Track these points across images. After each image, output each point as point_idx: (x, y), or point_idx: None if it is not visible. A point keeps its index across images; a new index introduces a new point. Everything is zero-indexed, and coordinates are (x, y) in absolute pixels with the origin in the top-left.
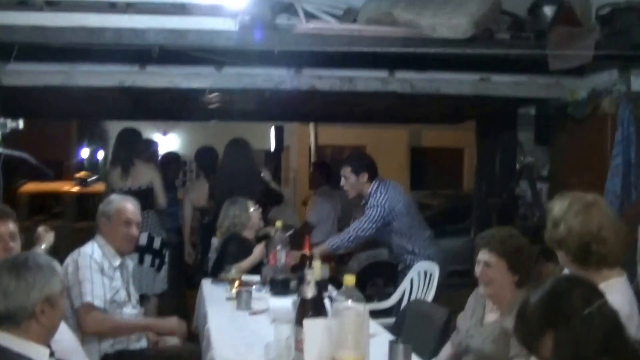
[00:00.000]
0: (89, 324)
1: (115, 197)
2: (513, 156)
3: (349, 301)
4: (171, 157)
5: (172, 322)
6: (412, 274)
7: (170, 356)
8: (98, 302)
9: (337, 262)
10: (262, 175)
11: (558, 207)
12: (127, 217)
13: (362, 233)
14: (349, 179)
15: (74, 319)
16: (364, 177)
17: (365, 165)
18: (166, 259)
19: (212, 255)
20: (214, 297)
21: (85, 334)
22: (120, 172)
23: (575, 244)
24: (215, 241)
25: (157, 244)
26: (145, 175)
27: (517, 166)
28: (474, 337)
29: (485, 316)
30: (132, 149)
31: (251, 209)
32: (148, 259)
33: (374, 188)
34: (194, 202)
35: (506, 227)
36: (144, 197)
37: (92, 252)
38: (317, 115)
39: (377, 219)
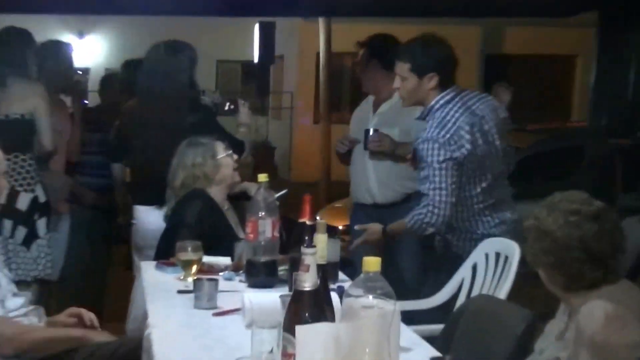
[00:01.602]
0: None
1: None
2: None
3: (370, 297)
4: (112, 78)
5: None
6: (476, 256)
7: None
8: None
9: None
10: (203, 101)
11: None
12: None
13: (448, 192)
14: (406, 81)
15: None
16: (432, 80)
17: (436, 60)
18: (41, 229)
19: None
20: (160, 288)
21: None
22: None
23: None
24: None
25: (23, 203)
26: (24, 100)
27: None
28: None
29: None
30: (12, 58)
31: (221, 154)
32: (7, 225)
33: (443, 101)
34: None
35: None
36: (20, 132)
37: None
38: (331, 5)
39: (448, 164)
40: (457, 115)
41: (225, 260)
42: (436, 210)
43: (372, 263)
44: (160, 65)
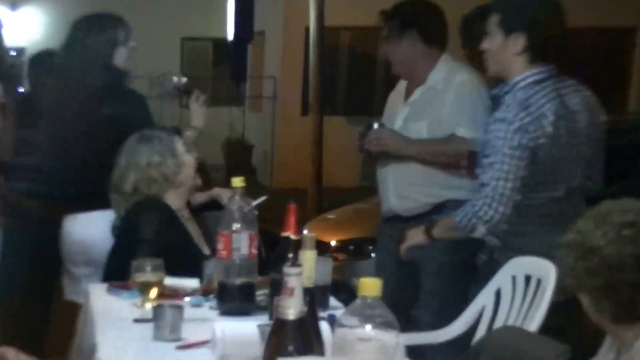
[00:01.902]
0: None
1: None
2: None
3: (367, 327)
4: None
5: None
6: (500, 279)
7: None
8: None
9: (354, 252)
10: (164, 87)
11: None
12: None
13: (514, 186)
14: (493, 38)
15: None
16: (517, 43)
17: (525, 17)
18: None
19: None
20: (113, 316)
21: None
22: None
23: None
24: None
25: None
26: None
27: None
28: None
29: None
30: None
31: (181, 151)
32: None
33: (532, 79)
34: None
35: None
36: None
37: None
38: None
39: (522, 153)
40: (543, 100)
41: (192, 283)
42: (494, 205)
43: (369, 286)
44: (77, 44)
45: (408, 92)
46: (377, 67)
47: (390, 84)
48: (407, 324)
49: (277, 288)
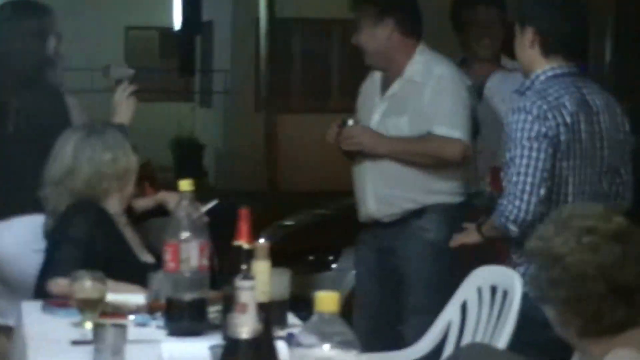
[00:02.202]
0: None
1: None
2: None
3: (326, 346)
4: None
5: None
6: (465, 291)
7: None
8: None
9: (315, 263)
10: (110, 78)
11: None
12: None
13: (534, 180)
14: (516, 32)
15: None
16: (528, 34)
17: (535, 11)
18: None
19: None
20: (48, 338)
21: None
22: None
23: None
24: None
25: None
26: None
27: None
28: None
29: None
30: None
31: (131, 151)
32: None
33: (552, 73)
34: None
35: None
36: None
37: None
38: None
39: (541, 144)
40: (562, 92)
41: (137, 299)
42: (517, 202)
43: (327, 301)
44: (1, 32)
45: (384, 86)
46: (333, 61)
47: (348, 78)
48: (392, 341)
49: (230, 304)
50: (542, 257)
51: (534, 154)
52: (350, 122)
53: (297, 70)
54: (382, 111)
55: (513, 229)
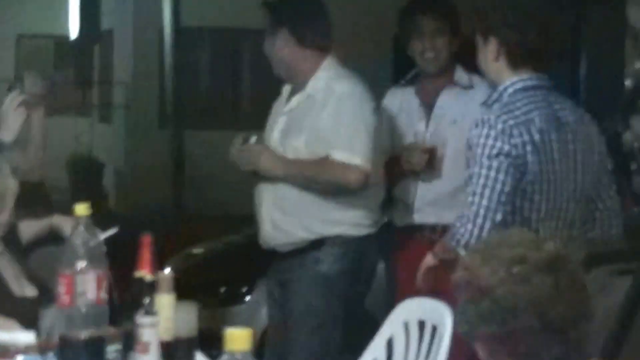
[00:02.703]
0: None
1: None
2: (620, 54)
3: None
4: None
5: None
6: (391, 326)
7: None
8: None
9: (226, 298)
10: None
11: None
12: None
13: (490, 204)
14: (478, 44)
15: None
16: (492, 46)
17: (498, 22)
18: None
19: None
20: None
21: None
22: None
23: None
24: None
25: None
26: None
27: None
28: None
29: None
30: None
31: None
32: None
33: (522, 85)
34: None
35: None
36: None
37: None
38: None
39: (501, 164)
40: (531, 106)
41: (27, 337)
42: (469, 226)
43: (238, 338)
44: None
45: (289, 99)
46: (243, 74)
47: (259, 91)
48: None
49: (131, 342)
50: (470, 289)
51: (492, 174)
52: (253, 139)
53: (204, 83)
54: (281, 128)
55: (462, 253)
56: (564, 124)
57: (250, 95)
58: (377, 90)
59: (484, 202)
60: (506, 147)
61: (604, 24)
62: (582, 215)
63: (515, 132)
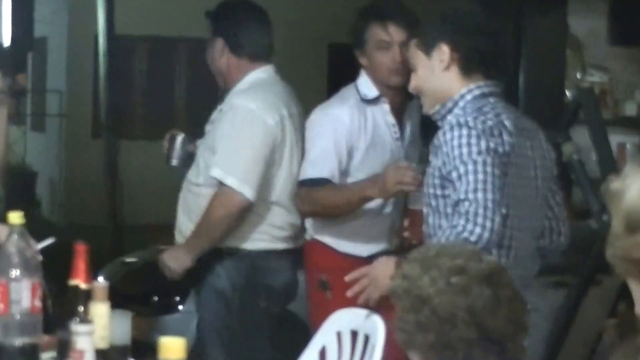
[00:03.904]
0: None
1: None
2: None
3: None
4: None
5: None
6: (324, 336)
7: None
8: None
9: (160, 307)
10: None
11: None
12: None
13: (495, 197)
14: (417, 67)
15: None
16: (442, 54)
17: (445, 29)
18: None
19: None
20: None
21: None
22: None
23: None
24: None
25: None
26: None
27: (568, 95)
28: None
29: None
30: None
31: None
32: None
33: (479, 92)
34: None
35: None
36: None
37: None
38: None
39: (493, 158)
40: (498, 110)
41: None
42: (480, 220)
43: (172, 347)
44: None
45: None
46: (179, 83)
47: (194, 101)
48: None
49: (65, 350)
50: (408, 297)
51: (488, 169)
52: (180, 137)
53: (139, 92)
54: (203, 140)
55: None
56: (522, 130)
57: (185, 105)
58: (311, 101)
59: (489, 195)
60: (492, 145)
61: (544, 33)
62: (542, 222)
63: (496, 131)
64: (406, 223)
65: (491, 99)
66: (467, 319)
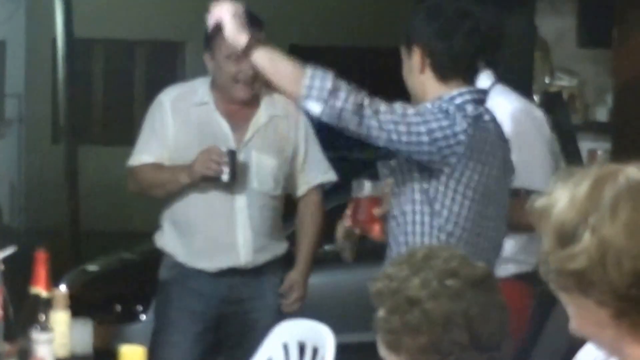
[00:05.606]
0: None
1: None
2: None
3: None
4: None
5: None
6: (270, 348)
7: None
8: None
9: (121, 315)
10: None
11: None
12: None
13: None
14: (404, 60)
15: None
16: (415, 57)
17: (418, 29)
18: None
19: None
20: None
21: None
22: None
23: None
24: None
25: None
26: None
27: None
28: None
29: None
30: None
31: None
32: None
33: (465, 94)
34: None
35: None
36: None
37: None
38: None
39: (433, 130)
40: (480, 110)
41: None
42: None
43: (133, 355)
44: None
45: None
46: (138, 87)
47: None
48: None
49: (26, 358)
50: (396, 299)
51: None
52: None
53: (98, 96)
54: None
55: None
56: (495, 134)
57: (144, 108)
58: None
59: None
60: (457, 128)
61: (510, 36)
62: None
63: (453, 119)
64: (349, 212)
65: (469, 107)
66: (461, 323)
